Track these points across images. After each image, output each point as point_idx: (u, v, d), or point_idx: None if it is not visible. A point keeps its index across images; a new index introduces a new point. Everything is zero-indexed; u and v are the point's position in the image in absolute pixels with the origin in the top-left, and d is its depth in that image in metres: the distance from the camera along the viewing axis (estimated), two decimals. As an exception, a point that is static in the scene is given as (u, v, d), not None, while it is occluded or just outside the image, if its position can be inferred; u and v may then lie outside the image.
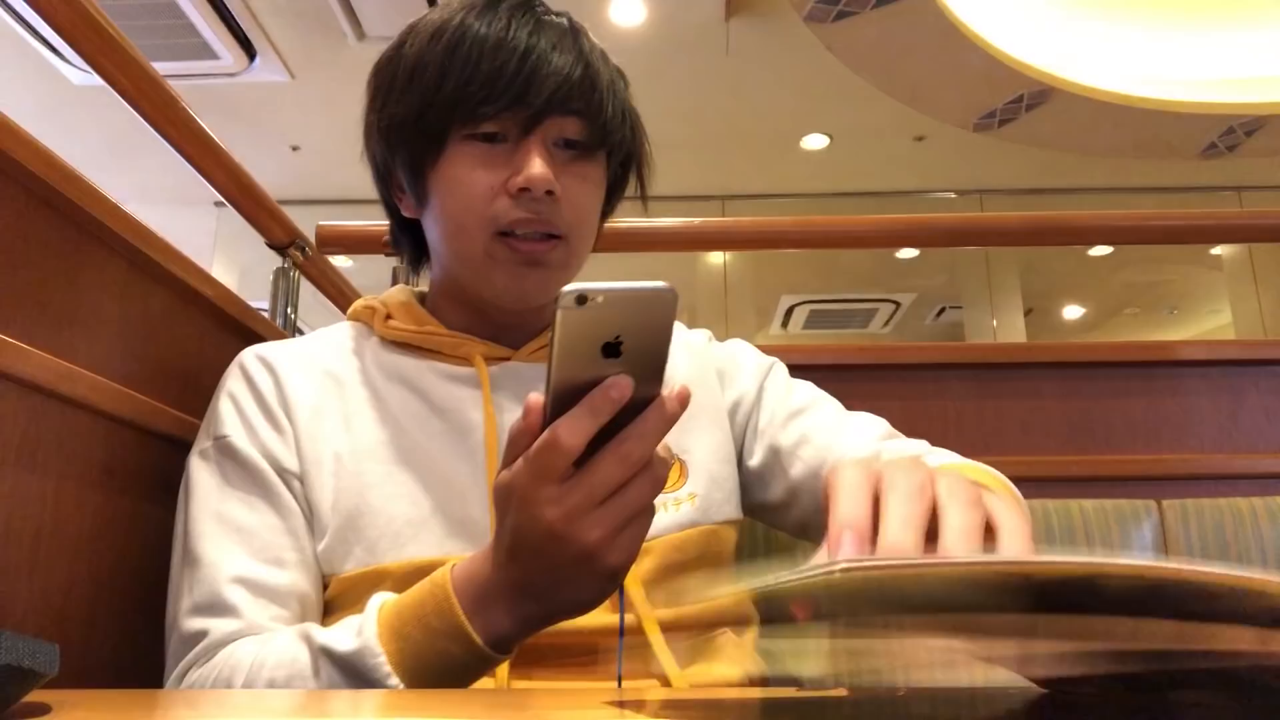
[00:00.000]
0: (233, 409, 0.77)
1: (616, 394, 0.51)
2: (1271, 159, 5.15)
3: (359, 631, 0.61)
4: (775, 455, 0.86)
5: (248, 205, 1.28)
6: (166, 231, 0.89)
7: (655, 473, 0.54)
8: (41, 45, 4.49)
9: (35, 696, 0.43)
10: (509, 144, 0.76)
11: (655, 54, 4.72)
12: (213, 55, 4.57)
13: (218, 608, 0.69)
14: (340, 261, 1.67)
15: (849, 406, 0.90)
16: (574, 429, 0.51)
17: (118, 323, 0.84)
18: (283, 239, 1.40)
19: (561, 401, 0.52)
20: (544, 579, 0.56)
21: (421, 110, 0.76)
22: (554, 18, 0.78)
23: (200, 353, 0.97)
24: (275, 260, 1.47)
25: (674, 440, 0.81)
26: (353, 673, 0.60)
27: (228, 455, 0.75)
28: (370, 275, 1.55)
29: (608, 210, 0.88)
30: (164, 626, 0.73)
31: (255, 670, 0.65)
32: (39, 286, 0.74)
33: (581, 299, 0.48)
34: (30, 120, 0.71)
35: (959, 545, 0.41)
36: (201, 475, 0.75)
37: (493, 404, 0.78)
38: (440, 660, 0.59)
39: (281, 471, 0.75)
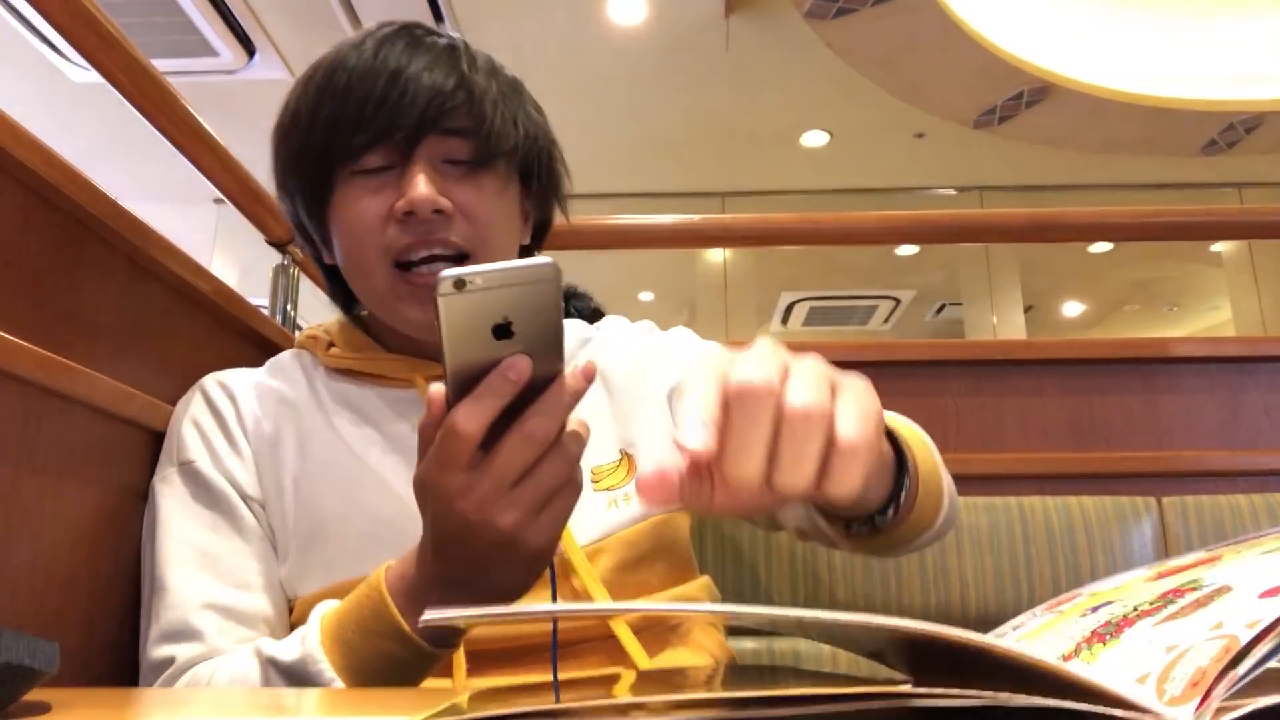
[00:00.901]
0: (196, 434, 0.78)
1: (514, 374, 0.50)
2: (1272, 156, 5.15)
3: (303, 640, 0.62)
4: None
5: (247, 202, 1.28)
6: (166, 228, 0.89)
7: (567, 450, 0.53)
8: (41, 43, 4.48)
9: (35, 695, 0.43)
10: (395, 171, 0.74)
11: (655, 52, 4.71)
12: (212, 52, 4.56)
13: (184, 634, 0.70)
14: (340, 259, 1.67)
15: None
16: (471, 414, 0.50)
17: (117, 321, 0.84)
18: (282, 236, 1.40)
19: (461, 390, 0.51)
20: (468, 569, 0.56)
21: (302, 153, 0.76)
22: (434, 39, 0.76)
23: (200, 350, 0.97)
24: (275, 257, 1.47)
25: (620, 434, 0.83)
26: (298, 681, 0.61)
27: (193, 480, 0.76)
28: (370, 273, 1.55)
29: (543, 219, 0.87)
30: None
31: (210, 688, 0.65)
32: (38, 284, 0.73)
33: (460, 283, 0.48)
34: (30, 118, 0.71)
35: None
36: (166, 501, 0.76)
37: None
38: (383, 661, 0.59)
39: (245, 496, 0.76)
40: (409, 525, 0.74)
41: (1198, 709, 0.29)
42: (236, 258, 6.05)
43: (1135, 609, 0.40)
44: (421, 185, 0.72)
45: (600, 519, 0.78)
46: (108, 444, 0.81)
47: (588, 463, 0.80)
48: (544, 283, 0.49)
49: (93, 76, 1.00)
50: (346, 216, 0.75)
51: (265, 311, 1.28)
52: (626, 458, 0.82)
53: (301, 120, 0.76)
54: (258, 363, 0.87)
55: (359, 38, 0.77)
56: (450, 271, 0.48)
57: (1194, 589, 0.39)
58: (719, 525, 1.11)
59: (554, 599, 0.70)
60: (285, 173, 0.79)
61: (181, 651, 0.69)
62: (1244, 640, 0.30)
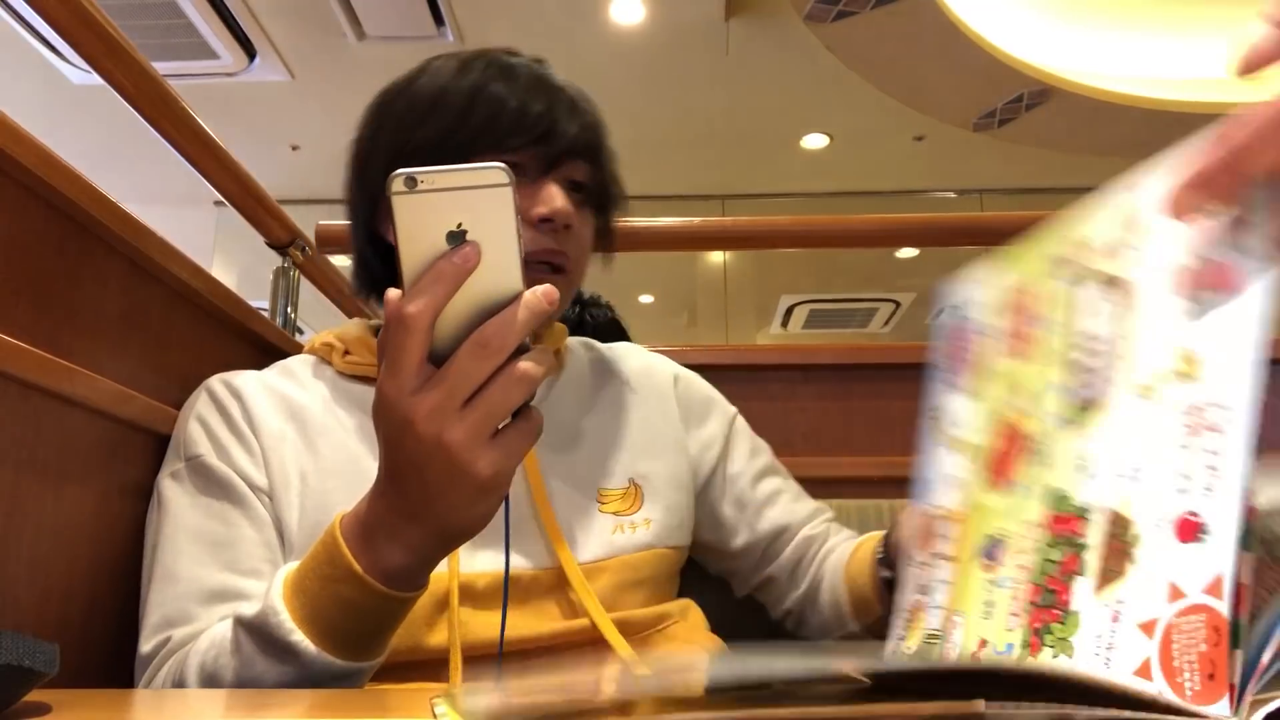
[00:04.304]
0: (202, 431, 0.78)
1: (460, 259, 0.49)
2: (1271, 158, 5.14)
3: (266, 594, 0.61)
4: (742, 509, 0.93)
5: (248, 205, 1.28)
6: (166, 231, 0.89)
7: (521, 371, 0.51)
8: (41, 45, 4.49)
9: (35, 696, 0.43)
10: (527, 178, 0.78)
11: (655, 54, 4.72)
12: (212, 55, 4.56)
13: (185, 619, 0.70)
14: (340, 261, 1.67)
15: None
16: (418, 299, 0.49)
17: (118, 323, 0.84)
18: (283, 238, 1.40)
19: None
20: (418, 494, 0.54)
21: (445, 136, 0.77)
22: (560, 84, 0.82)
23: (200, 352, 0.97)
24: (275, 260, 1.47)
25: (631, 464, 0.86)
26: (261, 635, 0.59)
27: (201, 474, 0.76)
28: (370, 275, 1.55)
29: None
30: None
31: (192, 657, 0.65)
32: (39, 286, 0.73)
33: (411, 181, 0.48)
34: (30, 120, 0.71)
35: None
36: (174, 495, 0.76)
37: None
38: (340, 607, 0.58)
39: (253, 486, 0.76)
40: None
41: (1234, 708, 0.30)
42: (236, 260, 6.05)
43: (1051, 561, 0.41)
44: (562, 198, 0.77)
45: (605, 540, 0.81)
46: (108, 445, 0.81)
47: (596, 481, 0.84)
48: (497, 187, 0.49)
49: (93, 79, 1.00)
50: None
51: (265, 314, 1.28)
52: (635, 487, 0.85)
53: (454, 106, 0.77)
54: (258, 365, 0.87)
55: (496, 68, 0.80)
56: (404, 170, 0.48)
57: (1082, 518, 0.40)
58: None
59: (506, 549, 0.71)
60: (411, 149, 0.78)
61: (178, 633, 0.69)
62: (1224, 613, 0.31)
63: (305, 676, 0.58)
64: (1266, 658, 0.31)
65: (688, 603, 0.88)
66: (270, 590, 0.60)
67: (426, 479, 0.53)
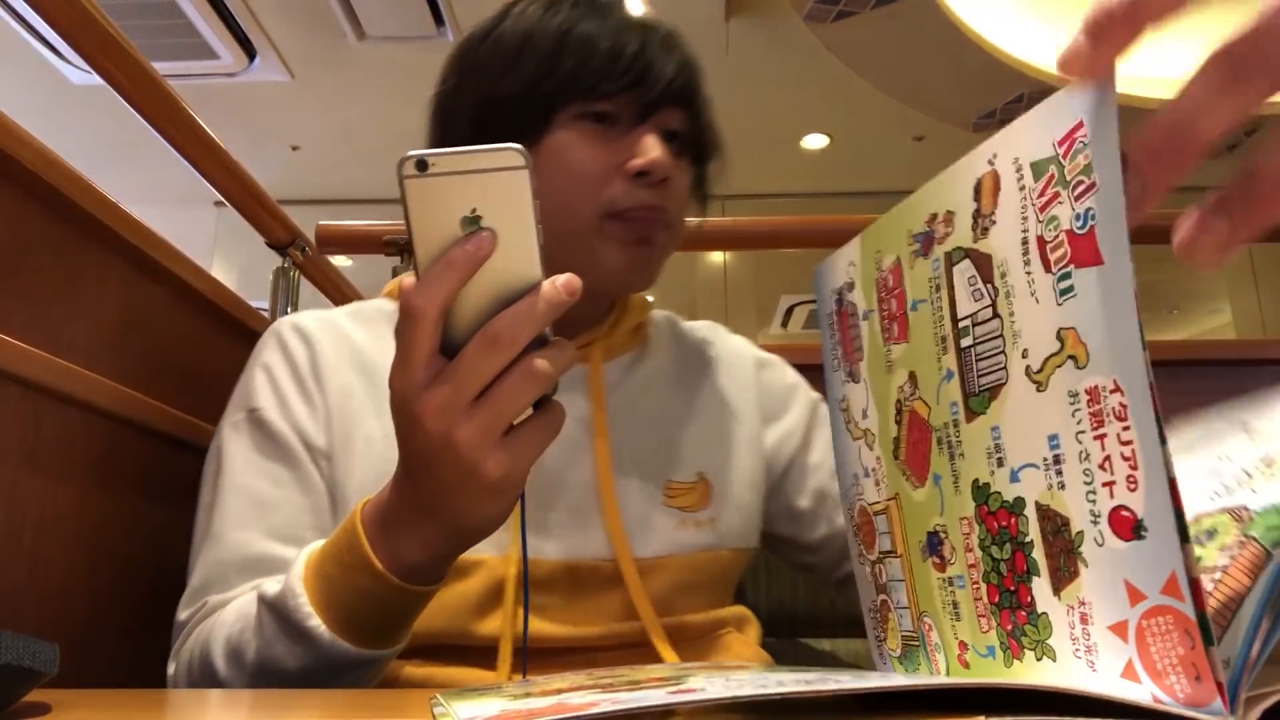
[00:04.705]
0: (267, 381, 0.76)
1: (473, 247, 0.47)
2: (1271, 158, 5.15)
3: (288, 574, 0.60)
4: (822, 501, 0.87)
5: (248, 205, 1.28)
6: (166, 231, 0.89)
7: (534, 368, 0.49)
8: (41, 45, 4.49)
9: (35, 696, 0.43)
10: (621, 127, 0.75)
11: (655, 53, 4.72)
12: (212, 55, 4.57)
13: (222, 584, 0.69)
14: (340, 261, 1.67)
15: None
16: (426, 288, 0.47)
17: (118, 322, 0.84)
18: (283, 238, 1.40)
19: None
20: (432, 489, 0.52)
21: (531, 86, 0.74)
22: (653, 22, 0.78)
23: (200, 352, 0.97)
24: (275, 260, 1.47)
25: (703, 456, 0.82)
26: (280, 616, 0.59)
27: (259, 429, 0.74)
28: (370, 275, 1.55)
29: None
30: (164, 625, 0.73)
31: (219, 629, 0.64)
32: (39, 286, 0.74)
33: (422, 164, 0.45)
34: (30, 120, 0.71)
35: None
36: (232, 447, 0.74)
37: None
38: (356, 596, 0.57)
39: (311, 449, 0.74)
40: None
41: (1228, 708, 0.29)
42: (236, 260, 6.05)
43: (998, 560, 0.40)
44: (660, 149, 0.73)
45: (667, 535, 0.77)
46: (108, 445, 0.81)
47: (664, 473, 0.79)
48: (513, 170, 0.46)
49: (93, 79, 1.00)
50: (566, 159, 0.74)
51: (265, 314, 1.28)
52: (704, 482, 0.81)
53: (541, 53, 0.74)
54: (258, 364, 0.86)
55: (584, 4, 0.76)
56: (413, 152, 0.46)
57: (1016, 514, 0.39)
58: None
59: (523, 543, 0.68)
60: (496, 100, 0.75)
61: (213, 599, 0.69)
62: (1190, 614, 0.30)
63: (322, 661, 0.58)
64: (1254, 651, 0.30)
65: (745, 612, 0.84)
66: (292, 571, 0.59)
67: (436, 476, 0.51)
